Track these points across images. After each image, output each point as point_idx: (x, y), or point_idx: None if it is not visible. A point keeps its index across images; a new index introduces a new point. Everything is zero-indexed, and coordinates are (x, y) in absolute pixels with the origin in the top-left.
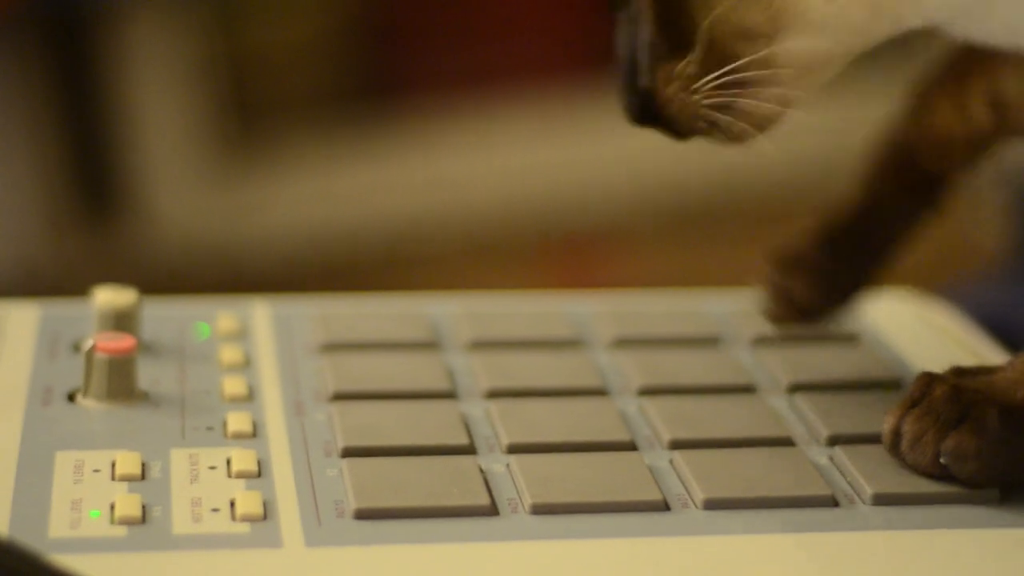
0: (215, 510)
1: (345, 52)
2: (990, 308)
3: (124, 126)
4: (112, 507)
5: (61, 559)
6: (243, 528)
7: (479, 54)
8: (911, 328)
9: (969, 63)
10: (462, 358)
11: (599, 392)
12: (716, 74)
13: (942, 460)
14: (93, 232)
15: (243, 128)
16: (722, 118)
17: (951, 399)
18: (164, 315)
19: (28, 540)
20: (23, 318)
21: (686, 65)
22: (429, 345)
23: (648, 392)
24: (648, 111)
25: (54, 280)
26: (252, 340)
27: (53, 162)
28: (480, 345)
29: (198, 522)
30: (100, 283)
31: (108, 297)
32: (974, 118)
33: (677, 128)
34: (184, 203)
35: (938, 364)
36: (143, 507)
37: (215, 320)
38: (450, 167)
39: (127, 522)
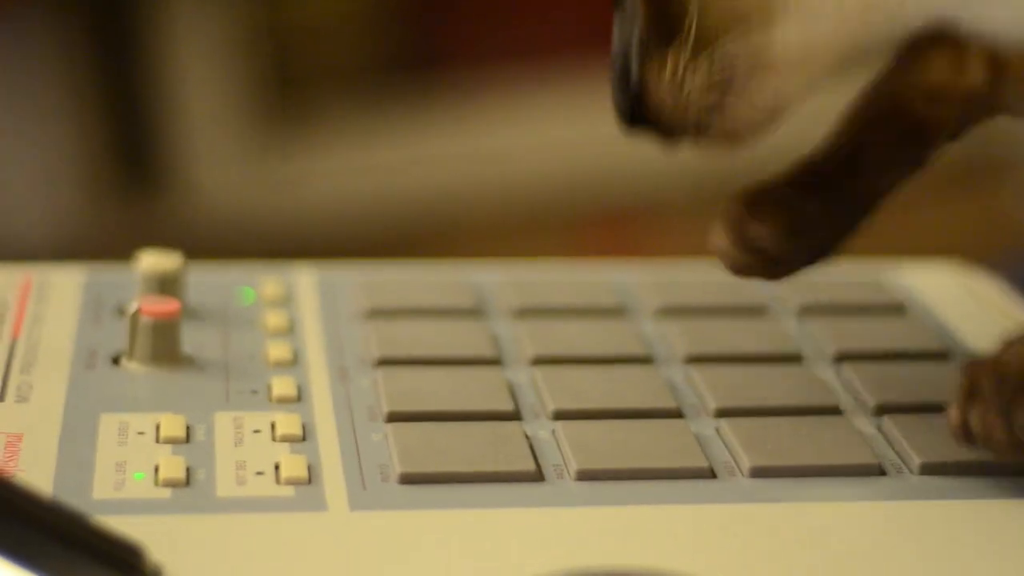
0: (259, 473)
1: (385, 25)
2: None
3: (166, 98)
4: (156, 469)
5: (105, 520)
6: (287, 491)
7: (520, 26)
8: (957, 299)
9: None
10: (507, 325)
11: (645, 360)
12: (705, 64)
13: (1020, 435)
14: (134, 204)
15: (283, 100)
16: (714, 115)
17: (1000, 381)
18: (209, 280)
19: (72, 501)
20: (68, 282)
21: (676, 60)
22: (474, 312)
23: (694, 360)
24: (638, 112)
25: (97, 251)
26: (296, 305)
27: (95, 134)
28: (525, 312)
29: (242, 485)
30: (140, 248)
31: (153, 261)
32: (970, 74)
33: (668, 129)
34: (225, 175)
35: (984, 335)
36: (187, 469)
37: (260, 285)
38: (490, 140)
39: (171, 484)
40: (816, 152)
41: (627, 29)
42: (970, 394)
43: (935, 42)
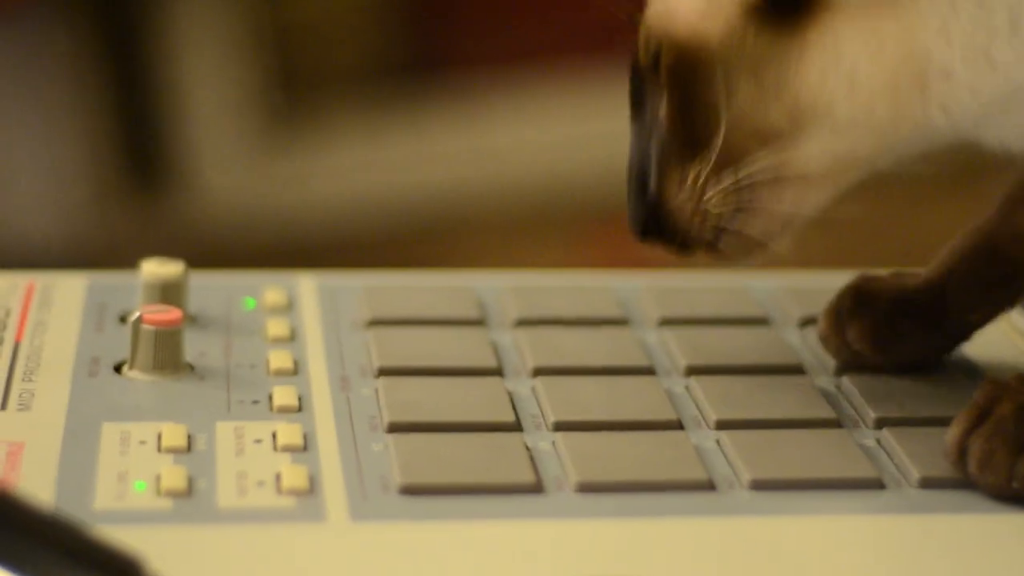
0: (260, 483)
1: (391, 24)
2: None
3: (171, 97)
4: (158, 479)
5: (106, 530)
6: (288, 502)
7: (525, 26)
8: None
9: None
10: (508, 335)
11: (646, 371)
12: (730, 175)
13: (1015, 485)
14: (141, 203)
15: (289, 99)
16: (734, 225)
17: (1020, 418)
18: (210, 287)
19: (73, 511)
20: (71, 289)
21: (698, 171)
22: (475, 322)
23: (695, 371)
24: (653, 223)
25: (102, 251)
26: (298, 314)
27: (102, 133)
28: (526, 322)
29: (243, 495)
30: (148, 254)
31: (155, 269)
32: None
33: (683, 240)
34: (231, 174)
35: (987, 348)
36: (188, 479)
37: (261, 293)
38: (495, 139)
39: (172, 494)
40: (922, 278)
41: (645, 140)
42: (980, 416)
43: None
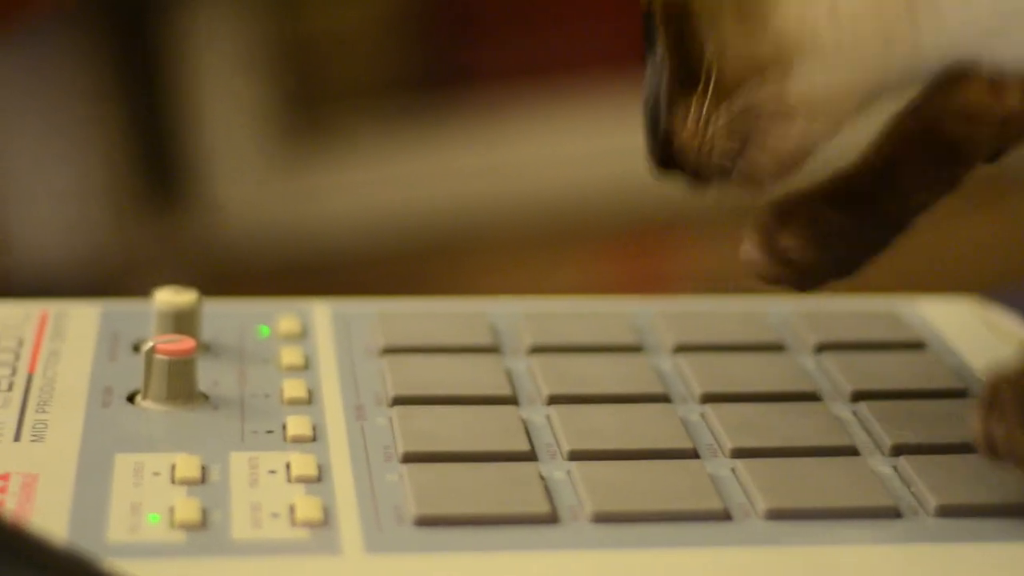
0: (275, 515)
1: (408, 38)
2: None
3: (188, 112)
4: (171, 511)
5: (120, 564)
6: (302, 533)
7: (543, 40)
8: (977, 334)
9: None
10: (523, 362)
11: (661, 398)
12: (725, 108)
13: None
14: (157, 218)
15: (305, 115)
16: (738, 160)
17: (1021, 395)
18: (224, 315)
19: (87, 544)
20: (84, 317)
21: (699, 107)
22: (490, 349)
23: (710, 399)
24: (667, 157)
25: (119, 267)
26: (312, 342)
27: (118, 148)
28: (541, 349)
29: (257, 527)
30: (164, 269)
31: (168, 298)
32: (1008, 97)
33: (695, 174)
34: (247, 190)
35: None
36: (202, 511)
37: (275, 321)
38: (513, 154)
39: (186, 527)
40: (850, 167)
41: (656, 76)
42: (990, 405)
43: (973, 70)
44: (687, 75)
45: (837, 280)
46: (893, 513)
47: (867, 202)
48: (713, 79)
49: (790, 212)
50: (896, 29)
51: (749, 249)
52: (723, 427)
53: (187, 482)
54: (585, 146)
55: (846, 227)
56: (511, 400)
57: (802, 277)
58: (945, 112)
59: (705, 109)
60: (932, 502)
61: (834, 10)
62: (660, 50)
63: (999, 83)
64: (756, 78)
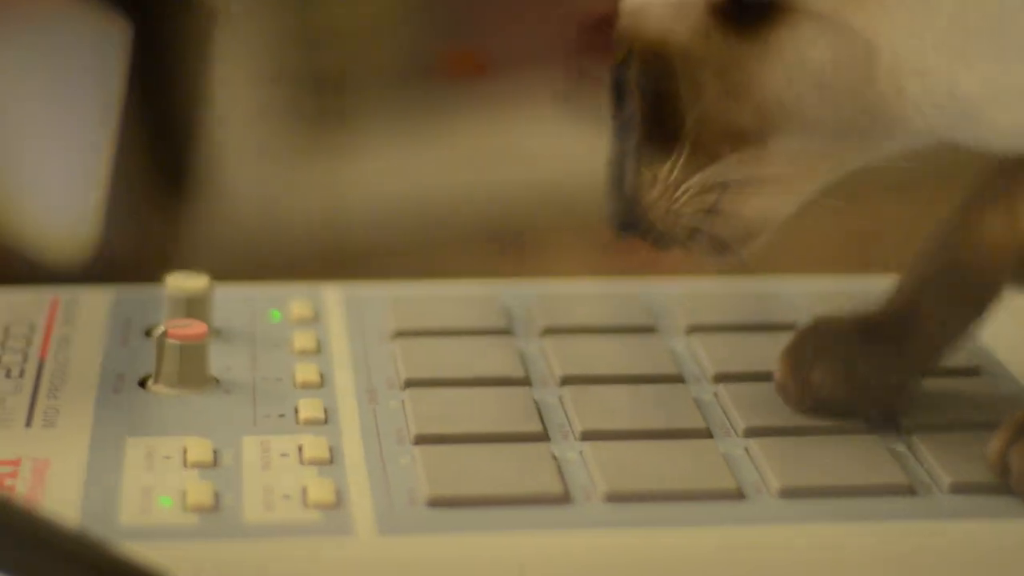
0: (287, 497)
1: (420, 26)
2: None
3: (201, 99)
4: (183, 494)
5: (132, 546)
6: (315, 515)
7: (555, 31)
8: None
9: (1017, 174)
10: (535, 344)
11: (674, 378)
12: (699, 176)
13: None
14: (169, 205)
15: (319, 103)
16: (705, 226)
17: None
18: (236, 300)
19: (99, 527)
20: (95, 303)
21: (671, 168)
22: (502, 331)
23: (723, 378)
24: (631, 218)
25: (131, 255)
26: (324, 326)
27: (130, 137)
28: (553, 331)
29: (270, 509)
30: (176, 258)
31: (179, 283)
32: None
33: (659, 236)
34: (260, 176)
35: (1018, 351)
36: (214, 494)
37: (287, 305)
38: (528, 143)
39: (198, 509)
40: (881, 305)
41: (623, 136)
42: (1020, 430)
43: (990, 198)
44: (661, 138)
45: (861, 412)
46: (907, 490)
47: (902, 341)
48: (689, 145)
49: (825, 348)
50: (880, 107)
51: (781, 377)
52: (736, 406)
53: (199, 465)
54: (595, 135)
55: (877, 367)
56: (524, 381)
57: (832, 411)
58: (967, 247)
59: (676, 174)
60: (946, 479)
61: (820, 86)
62: (632, 109)
63: (1012, 215)
64: (733, 147)
